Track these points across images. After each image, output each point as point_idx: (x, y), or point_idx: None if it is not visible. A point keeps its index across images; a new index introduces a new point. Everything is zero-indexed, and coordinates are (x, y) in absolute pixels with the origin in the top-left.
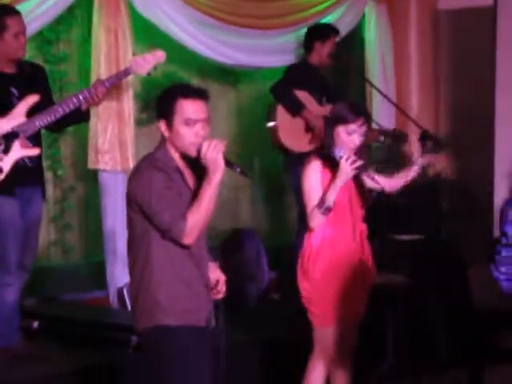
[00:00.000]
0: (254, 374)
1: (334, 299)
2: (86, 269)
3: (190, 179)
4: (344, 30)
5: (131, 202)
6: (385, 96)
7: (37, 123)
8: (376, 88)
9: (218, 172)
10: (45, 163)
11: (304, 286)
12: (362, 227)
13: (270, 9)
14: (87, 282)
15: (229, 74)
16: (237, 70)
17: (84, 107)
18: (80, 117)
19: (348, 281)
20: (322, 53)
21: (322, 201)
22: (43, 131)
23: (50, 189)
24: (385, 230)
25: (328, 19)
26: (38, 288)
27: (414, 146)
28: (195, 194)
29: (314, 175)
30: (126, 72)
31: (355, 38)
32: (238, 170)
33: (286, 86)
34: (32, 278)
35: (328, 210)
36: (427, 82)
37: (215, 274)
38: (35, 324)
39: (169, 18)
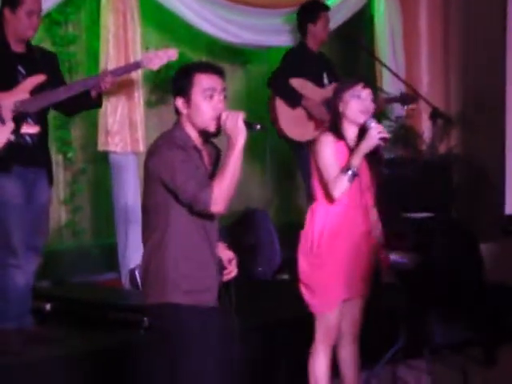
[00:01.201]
0: (263, 355)
1: (337, 283)
2: (98, 251)
3: (206, 159)
4: (352, 8)
5: (151, 179)
6: (394, 74)
7: (40, 102)
8: (386, 66)
9: (240, 137)
10: (54, 146)
11: (307, 270)
12: (373, 211)
13: None
14: (99, 263)
15: (238, 54)
16: (246, 50)
17: (94, 94)
18: (90, 102)
19: (353, 264)
20: (317, 33)
21: (347, 167)
22: (53, 113)
23: (60, 171)
24: (395, 207)
25: None
26: (51, 271)
27: (424, 124)
28: (212, 174)
29: (328, 149)
30: (137, 65)
31: (364, 16)
32: (258, 127)
33: (282, 78)
34: (44, 261)
35: (354, 175)
36: (437, 59)
37: (226, 253)
38: (48, 306)
39: None
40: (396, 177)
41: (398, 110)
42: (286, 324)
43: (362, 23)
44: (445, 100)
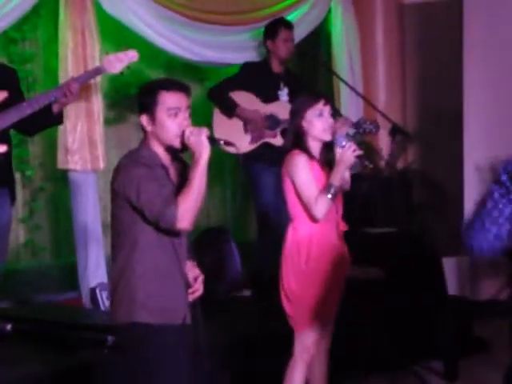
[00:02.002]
0: (231, 372)
1: (319, 300)
2: (58, 270)
3: (173, 175)
4: (310, 25)
5: (117, 198)
6: (352, 88)
7: (5, 120)
8: (343, 81)
9: (204, 152)
10: (13, 164)
11: (291, 288)
12: (343, 223)
13: (236, 5)
14: (59, 283)
15: (195, 71)
16: (203, 66)
17: (56, 109)
18: (52, 119)
19: (333, 280)
20: (276, 49)
21: (329, 186)
22: (12, 132)
23: (18, 190)
24: (356, 223)
25: (294, 14)
26: (10, 290)
27: (382, 140)
28: (179, 190)
29: (303, 169)
30: (98, 70)
31: (322, 33)
32: (222, 142)
33: (222, 88)
34: (3, 281)
35: (335, 194)
36: (394, 76)
37: (193, 272)
38: (8, 326)
39: (135, 16)
40: (356, 192)
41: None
42: (251, 340)
43: (319, 41)
44: (402, 116)
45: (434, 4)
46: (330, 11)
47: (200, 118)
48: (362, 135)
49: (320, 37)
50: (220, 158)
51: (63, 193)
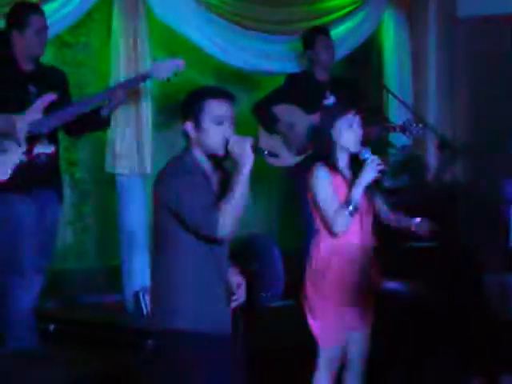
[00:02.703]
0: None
1: (342, 316)
2: (103, 272)
3: (215, 184)
4: (363, 35)
5: (160, 205)
6: (402, 102)
7: (53, 121)
8: (393, 94)
9: (247, 162)
10: (62, 166)
11: (313, 301)
12: (371, 238)
13: (289, 14)
14: (104, 285)
15: (246, 80)
16: (254, 76)
17: (105, 113)
18: (99, 123)
19: (356, 296)
20: (317, 57)
21: (347, 201)
22: (61, 135)
23: (67, 192)
24: (400, 236)
25: (346, 25)
26: (56, 291)
27: (430, 153)
28: (220, 198)
29: (325, 182)
30: (145, 76)
31: (374, 44)
32: (266, 152)
33: (264, 103)
34: (49, 282)
35: (356, 209)
36: (445, 88)
37: (235, 279)
38: (51, 327)
39: (187, 23)
40: (401, 205)
41: (405, 138)
42: (290, 350)
43: (371, 52)
44: (452, 131)
45: (487, 18)
46: (382, 22)
47: (248, 127)
48: (409, 138)
49: (372, 48)
50: (267, 167)
51: (111, 196)
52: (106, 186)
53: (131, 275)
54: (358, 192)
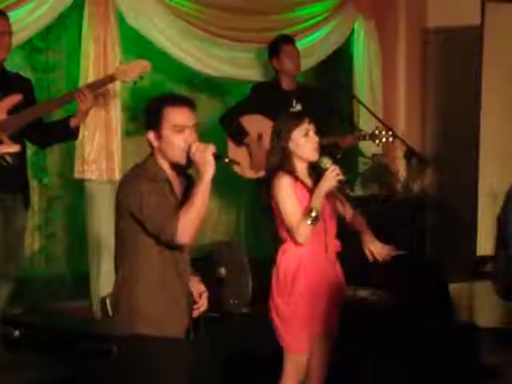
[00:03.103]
0: None
1: (310, 323)
2: (71, 278)
3: (178, 190)
4: (333, 45)
5: (121, 211)
6: (372, 113)
7: (18, 121)
8: (363, 105)
9: (208, 169)
10: (30, 171)
11: (281, 309)
12: (335, 243)
13: (258, 23)
14: (71, 291)
15: (216, 86)
16: (226, 83)
17: (74, 123)
18: (68, 133)
19: (323, 302)
20: (283, 66)
21: (309, 210)
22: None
23: (35, 197)
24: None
25: (316, 35)
26: (22, 297)
27: (399, 163)
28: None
29: (287, 191)
30: (111, 78)
31: (344, 54)
32: (227, 160)
33: (233, 115)
34: (16, 287)
35: (316, 219)
36: (414, 99)
37: (197, 287)
38: (16, 333)
39: (157, 30)
40: (369, 214)
41: (374, 147)
42: (256, 357)
43: (341, 62)
44: (421, 140)
45: (456, 28)
46: (352, 32)
47: (220, 133)
48: (379, 145)
49: (342, 58)
50: (235, 175)
51: (79, 202)
52: (75, 191)
53: (98, 281)
54: (318, 201)
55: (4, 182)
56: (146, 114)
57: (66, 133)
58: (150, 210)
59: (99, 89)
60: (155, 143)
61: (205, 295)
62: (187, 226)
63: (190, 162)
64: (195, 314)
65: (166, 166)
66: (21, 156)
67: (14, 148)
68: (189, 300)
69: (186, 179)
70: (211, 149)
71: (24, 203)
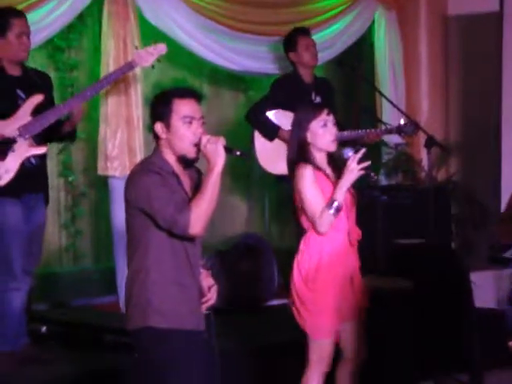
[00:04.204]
0: (249, 381)
1: (334, 309)
2: (97, 274)
3: (185, 184)
4: (353, 36)
5: (130, 206)
6: (393, 104)
7: (42, 122)
8: (384, 96)
9: (219, 160)
10: (56, 169)
11: (306, 296)
12: (357, 231)
13: (278, 16)
14: (98, 287)
15: (239, 81)
16: (247, 76)
17: (68, 128)
18: (62, 133)
19: (347, 288)
20: (301, 59)
21: (331, 202)
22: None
23: (61, 195)
24: (391, 233)
25: (337, 26)
26: (50, 293)
27: (423, 152)
28: (191, 198)
29: (309, 181)
30: (130, 65)
31: (365, 45)
32: (238, 153)
33: (259, 110)
34: (44, 284)
35: (338, 210)
36: (437, 87)
37: (207, 280)
38: (43, 328)
39: (177, 25)
40: (394, 203)
41: (397, 137)
42: (283, 348)
43: (362, 52)
44: (444, 128)
45: (476, 16)
46: (373, 23)
47: (243, 127)
48: (404, 138)
49: (363, 48)
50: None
51: (104, 199)
52: (99, 188)
53: (124, 276)
54: (340, 193)
55: (28, 182)
56: (154, 105)
57: (60, 133)
58: (159, 203)
59: (119, 78)
60: (163, 135)
61: (214, 288)
62: (199, 217)
63: (197, 156)
64: (204, 307)
65: (172, 159)
66: (43, 157)
67: (42, 150)
68: (200, 292)
69: (196, 173)
70: (222, 141)
71: (45, 200)
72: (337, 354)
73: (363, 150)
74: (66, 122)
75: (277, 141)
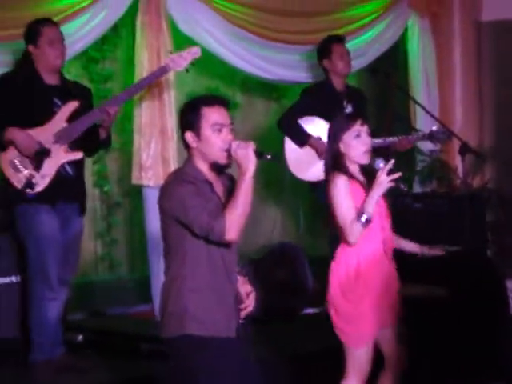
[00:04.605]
0: None
1: (371, 318)
2: (132, 283)
3: (219, 190)
4: (386, 44)
5: (164, 216)
6: (427, 111)
7: (76, 129)
8: (418, 103)
9: (250, 165)
10: (91, 179)
11: (342, 305)
12: (392, 239)
13: (310, 24)
14: (134, 296)
15: (272, 89)
16: (280, 85)
17: (103, 134)
18: (98, 142)
19: (383, 297)
20: (334, 67)
21: (360, 213)
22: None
23: (96, 205)
24: (426, 241)
25: (369, 34)
26: (86, 302)
27: (457, 159)
28: (225, 204)
29: (342, 191)
30: (163, 70)
31: (398, 52)
32: (269, 156)
33: (290, 117)
34: (80, 293)
35: (368, 221)
36: (470, 94)
37: (244, 287)
38: (79, 337)
39: (209, 35)
40: (428, 210)
41: (431, 144)
42: (319, 356)
43: (395, 60)
44: (478, 135)
45: (511, 22)
46: (406, 30)
47: (276, 135)
48: (437, 145)
49: (396, 55)
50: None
51: (139, 208)
52: (134, 197)
53: (159, 285)
54: (370, 204)
55: (63, 191)
56: (183, 115)
57: (96, 142)
58: (194, 212)
59: (152, 82)
60: (194, 144)
61: (252, 295)
62: (234, 222)
63: (229, 162)
64: (243, 314)
65: (205, 167)
66: (79, 165)
67: (77, 156)
68: (237, 299)
69: (228, 180)
70: (252, 145)
71: (81, 210)
72: (379, 363)
73: (392, 161)
74: (101, 127)
75: (307, 148)
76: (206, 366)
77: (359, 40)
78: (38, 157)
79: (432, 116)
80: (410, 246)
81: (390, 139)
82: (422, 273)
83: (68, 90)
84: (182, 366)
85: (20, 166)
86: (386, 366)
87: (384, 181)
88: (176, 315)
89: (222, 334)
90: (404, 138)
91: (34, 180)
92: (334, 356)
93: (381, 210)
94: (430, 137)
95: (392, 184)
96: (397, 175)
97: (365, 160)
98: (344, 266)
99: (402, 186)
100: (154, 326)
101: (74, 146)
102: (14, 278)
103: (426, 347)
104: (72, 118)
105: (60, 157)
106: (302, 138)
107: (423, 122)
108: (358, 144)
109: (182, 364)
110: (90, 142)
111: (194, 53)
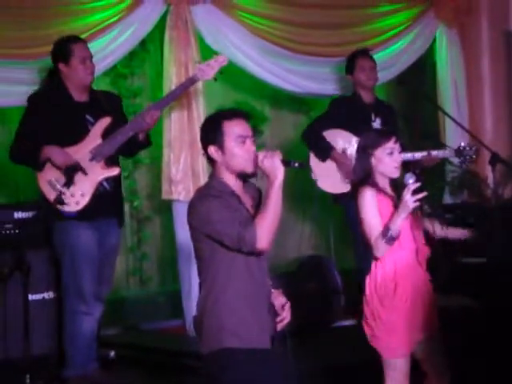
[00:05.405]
0: None
1: (407, 329)
2: (164, 298)
3: (247, 202)
4: (414, 55)
5: (194, 232)
6: (456, 122)
7: (111, 144)
8: (447, 114)
9: (278, 174)
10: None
11: (380, 315)
12: (425, 249)
13: (337, 37)
14: (165, 310)
15: (301, 103)
16: (309, 98)
17: (141, 137)
18: (139, 144)
19: (418, 307)
20: (359, 80)
21: (386, 230)
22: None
23: (126, 219)
24: (457, 252)
25: (397, 45)
26: (118, 318)
27: (488, 169)
28: (255, 214)
29: (369, 204)
30: (192, 80)
31: (427, 64)
32: (296, 164)
33: (315, 129)
34: (111, 308)
35: (393, 239)
36: (500, 104)
37: (279, 300)
38: (112, 353)
39: (236, 49)
40: (459, 222)
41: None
42: (355, 369)
43: (424, 70)
44: (509, 146)
45: None
46: (434, 41)
47: (306, 148)
48: (465, 162)
49: (425, 66)
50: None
51: (168, 222)
52: (164, 212)
53: (190, 300)
54: (396, 222)
55: (101, 206)
56: (205, 130)
57: (137, 144)
58: (224, 225)
59: (181, 93)
60: (218, 158)
61: (287, 306)
62: (265, 231)
63: (255, 171)
64: (279, 326)
65: (231, 179)
66: (116, 178)
67: (114, 172)
68: (271, 311)
69: (256, 192)
70: (279, 154)
71: (118, 224)
72: (422, 374)
73: (418, 183)
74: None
75: (330, 161)
76: (245, 378)
77: (387, 51)
78: (69, 173)
79: (462, 127)
80: (458, 233)
81: (419, 154)
82: (455, 284)
83: (99, 106)
84: (220, 380)
85: (56, 183)
86: (428, 378)
87: (409, 201)
88: (213, 330)
89: (257, 345)
90: (432, 153)
91: (63, 196)
92: (372, 368)
93: (411, 222)
94: (458, 153)
95: (417, 204)
96: (421, 195)
97: (395, 174)
98: (381, 275)
99: (425, 206)
100: (186, 341)
101: (111, 160)
102: (48, 295)
103: (459, 358)
104: (106, 133)
105: (97, 174)
106: (325, 152)
107: (453, 134)
108: (390, 161)
109: (220, 378)
110: (129, 148)
111: (221, 61)
